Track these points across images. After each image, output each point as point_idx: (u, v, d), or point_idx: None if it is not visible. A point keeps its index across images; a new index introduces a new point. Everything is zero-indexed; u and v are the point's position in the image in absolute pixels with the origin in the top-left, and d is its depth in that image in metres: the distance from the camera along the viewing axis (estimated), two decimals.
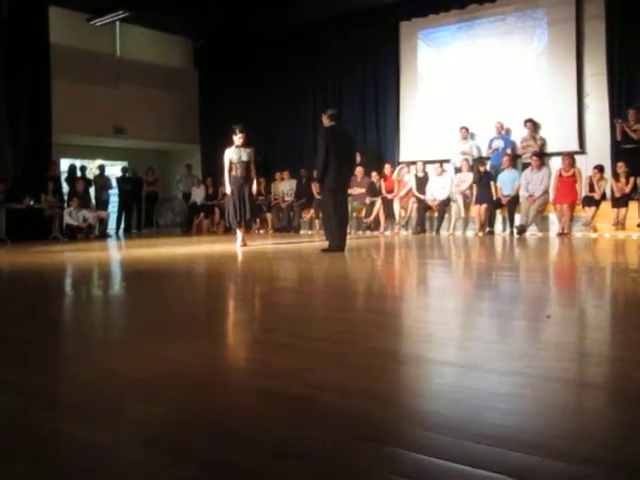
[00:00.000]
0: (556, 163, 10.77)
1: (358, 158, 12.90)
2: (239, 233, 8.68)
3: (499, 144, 11.36)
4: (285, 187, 13.52)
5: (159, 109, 14.71)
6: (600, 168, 10.09)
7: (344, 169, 7.46)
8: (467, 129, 11.64)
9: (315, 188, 7.62)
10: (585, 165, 10.55)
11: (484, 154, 11.59)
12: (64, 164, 14.10)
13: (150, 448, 1.47)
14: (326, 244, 7.61)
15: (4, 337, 2.88)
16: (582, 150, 10.82)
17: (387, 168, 12.28)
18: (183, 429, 1.60)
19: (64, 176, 13.62)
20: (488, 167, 11.16)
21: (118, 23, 13.97)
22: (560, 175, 10.36)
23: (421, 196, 11.59)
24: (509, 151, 11.11)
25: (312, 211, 12.78)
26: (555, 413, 1.71)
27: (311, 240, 10.50)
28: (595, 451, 1.42)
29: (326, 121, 7.53)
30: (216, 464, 1.37)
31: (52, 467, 1.39)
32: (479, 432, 1.50)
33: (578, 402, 1.84)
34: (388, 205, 11.91)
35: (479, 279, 5.12)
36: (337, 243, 7.39)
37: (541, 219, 10.53)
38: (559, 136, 10.95)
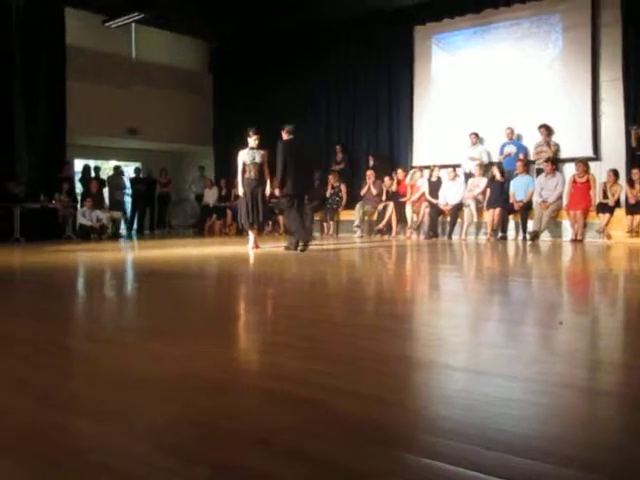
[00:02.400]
0: (570, 169, 10.71)
1: (371, 162, 12.95)
2: (251, 235, 8.69)
3: (511, 149, 11.32)
4: None
5: (173, 111, 14.77)
6: (615, 172, 10.01)
7: (301, 178, 8.22)
8: (477, 135, 11.62)
9: (277, 193, 8.44)
10: (599, 171, 10.48)
11: (494, 159, 11.55)
12: (78, 164, 14.18)
13: (161, 448, 1.47)
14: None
15: (17, 335, 2.89)
16: (596, 156, 10.75)
17: (400, 172, 12.26)
18: (194, 430, 1.60)
19: (78, 176, 13.70)
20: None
21: (133, 25, 14.04)
22: (574, 181, 10.31)
23: (434, 200, 11.56)
24: (521, 156, 11.07)
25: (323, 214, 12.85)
26: (567, 420, 1.69)
27: (321, 243, 10.50)
28: (608, 459, 1.40)
29: (285, 135, 8.32)
30: (227, 466, 1.37)
31: (62, 464, 1.40)
32: (490, 438, 1.49)
33: (590, 409, 1.82)
34: (400, 209, 11.89)
35: (491, 284, 5.09)
36: (299, 239, 8.18)
37: (554, 225, 10.48)
38: (573, 142, 10.89)
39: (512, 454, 1.40)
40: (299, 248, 8.13)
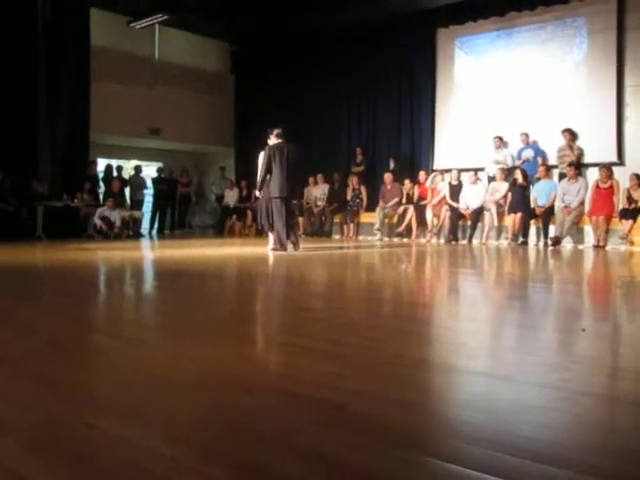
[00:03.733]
0: (593, 174, 10.60)
1: (391, 165, 12.92)
2: (271, 236, 8.71)
3: (529, 154, 11.24)
4: (318, 192, 13.53)
5: (195, 111, 14.86)
6: (637, 176, 9.88)
7: (287, 181, 8.45)
8: (501, 138, 11.54)
9: (256, 194, 8.81)
10: (623, 177, 10.35)
11: (517, 163, 11.47)
12: (100, 164, 14.32)
13: (184, 446, 1.47)
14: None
15: (40, 332, 2.92)
16: (620, 161, 10.63)
17: (421, 175, 12.21)
18: (216, 429, 1.60)
19: (100, 176, 13.82)
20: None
21: (157, 26, 14.15)
22: (597, 186, 10.20)
23: (454, 204, 11.50)
24: (540, 160, 11.00)
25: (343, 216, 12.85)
26: (591, 429, 1.67)
27: (341, 245, 10.50)
28: (631, 468, 1.39)
29: (273, 139, 8.52)
30: (246, 466, 1.37)
31: (85, 460, 1.41)
32: (513, 445, 1.48)
33: (614, 418, 1.80)
34: (421, 212, 11.85)
35: (512, 289, 5.06)
36: (286, 243, 8.40)
37: (576, 231, 10.37)
38: (597, 147, 10.77)
39: (535, 461, 1.38)
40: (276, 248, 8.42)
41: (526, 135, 11.26)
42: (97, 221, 11.92)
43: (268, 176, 8.49)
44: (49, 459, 1.41)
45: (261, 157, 8.64)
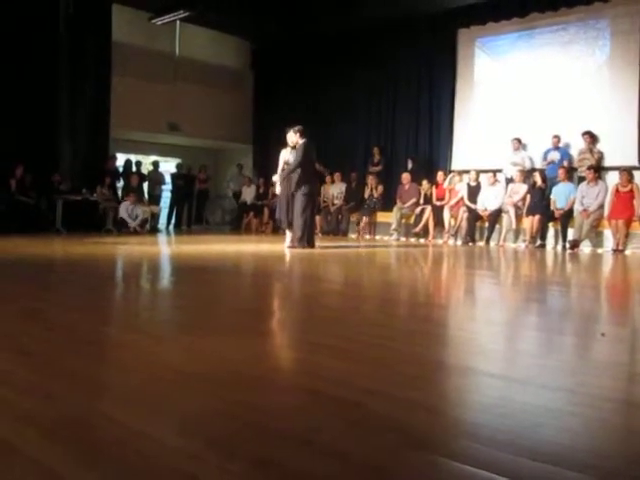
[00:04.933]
0: (614, 177, 10.50)
1: (409, 165, 12.89)
2: (288, 234, 8.73)
3: (555, 156, 11.14)
4: (335, 190, 13.53)
5: (214, 108, 14.91)
6: None
7: (314, 178, 8.83)
8: (519, 140, 11.46)
9: (274, 192, 9.00)
10: None
11: (537, 165, 11.39)
12: (120, 159, 14.41)
13: (201, 441, 1.48)
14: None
15: (57, 324, 2.96)
16: None
17: (440, 175, 12.16)
18: (235, 425, 1.61)
19: (120, 170, 13.92)
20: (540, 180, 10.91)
21: (178, 22, 14.22)
22: (617, 190, 10.11)
23: (472, 205, 11.45)
24: (565, 163, 10.89)
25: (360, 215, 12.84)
26: (609, 433, 1.67)
27: (357, 245, 10.49)
28: None
29: (300, 137, 8.54)
30: (265, 462, 1.38)
31: (99, 451, 1.42)
32: (532, 448, 1.47)
33: (632, 423, 1.79)
34: (438, 213, 11.81)
35: (529, 293, 5.03)
36: (305, 241, 8.48)
37: (595, 234, 10.29)
38: (618, 150, 10.68)
39: (555, 465, 1.38)
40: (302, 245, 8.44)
41: (558, 139, 11.11)
42: (125, 215, 11.99)
43: (298, 171, 8.46)
44: (73, 452, 1.43)
45: (282, 155, 8.66)
